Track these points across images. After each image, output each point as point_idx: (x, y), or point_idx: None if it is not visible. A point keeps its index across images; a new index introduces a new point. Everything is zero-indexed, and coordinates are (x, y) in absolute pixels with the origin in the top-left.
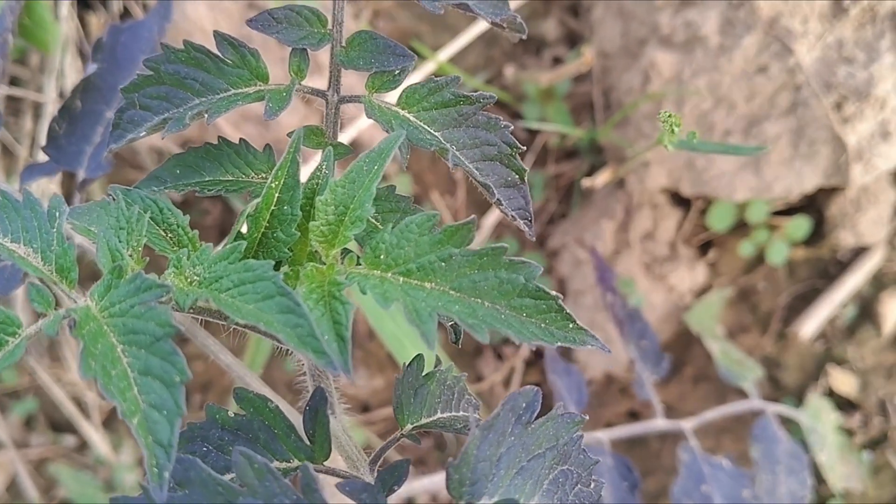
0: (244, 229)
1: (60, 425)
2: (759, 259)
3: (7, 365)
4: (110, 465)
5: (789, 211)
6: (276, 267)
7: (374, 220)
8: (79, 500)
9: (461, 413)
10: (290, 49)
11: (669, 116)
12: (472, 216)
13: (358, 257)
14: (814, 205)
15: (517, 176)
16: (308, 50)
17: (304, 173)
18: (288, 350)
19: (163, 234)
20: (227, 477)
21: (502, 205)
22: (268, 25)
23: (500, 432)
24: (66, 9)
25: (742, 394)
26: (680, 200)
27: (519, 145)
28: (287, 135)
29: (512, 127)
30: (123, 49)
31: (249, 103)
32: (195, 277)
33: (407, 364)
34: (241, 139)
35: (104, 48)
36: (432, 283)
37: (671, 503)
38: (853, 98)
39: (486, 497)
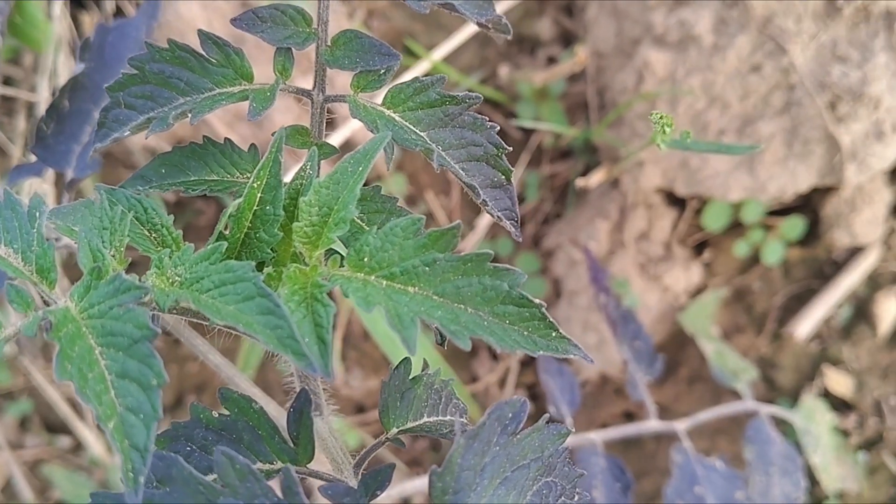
0: (228, 230)
1: (55, 426)
2: (754, 259)
3: None
4: (105, 466)
5: (784, 211)
6: (260, 268)
7: (359, 221)
8: (73, 501)
9: (448, 417)
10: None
11: (661, 117)
12: (458, 222)
13: (342, 258)
14: (809, 205)
15: (503, 177)
16: (293, 49)
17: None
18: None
19: (147, 233)
20: (210, 477)
21: (488, 205)
22: (252, 24)
23: (486, 441)
24: (59, 8)
25: (737, 395)
26: (675, 200)
27: (505, 146)
28: (271, 134)
29: (498, 127)
30: (111, 48)
31: (234, 103)
32: (176, 278)
33: (394, 367)
34: (226, 138)
35: (92, 48)
36: (416, 287)
37: None
38: (847, 97)
39: None
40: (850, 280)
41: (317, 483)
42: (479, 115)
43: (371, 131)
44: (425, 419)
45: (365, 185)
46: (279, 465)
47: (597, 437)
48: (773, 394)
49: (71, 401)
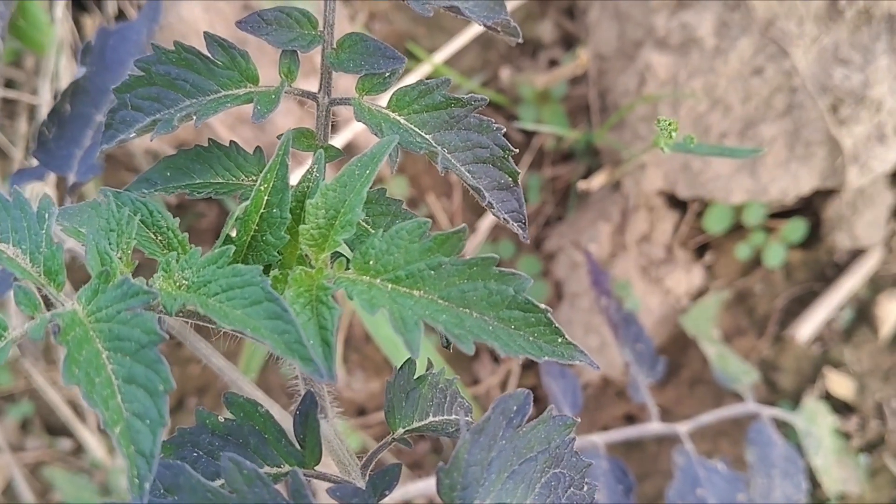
0: (234, 233)
1: (56, 429)
2: (755, 262)
3: None
4: (106, 468)
5: (786, 213)
6: (266, 270)
7: (365, 224)
8: (74, 503)
9: (453, 417)
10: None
11: (668, 123)
12: (463, 225)
13: (347, 261)
14: (810, 207)
15: (510, 178)
16: (298, 52)
17: (299, 176)
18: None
19: (153, 236)
20: (217, 483)
21: (493, 208)
22: (257, 27)
23: (491, 436)
24: (61, 11)
25: (739, 397)
26: (676, 203)
27: (511, 148)
28: (277, 137)
29: (504, 129)
30: (112, 52)
31: (239, 105)
32: (184, 282)
33: (399, 368)
34: (231, 141)
35: (93, 51)
36: (421, 291)
37: None
38: (849, 100)
39: (478, 501)
40: (852, 282)
41: (322, 485)
42: (485, 118)
43: (375, 134)
44: (431, 418)
45: (370, 187)
46: (287, 468)
47: (599, 439)
48: (775, 396)
49: (72, 403)
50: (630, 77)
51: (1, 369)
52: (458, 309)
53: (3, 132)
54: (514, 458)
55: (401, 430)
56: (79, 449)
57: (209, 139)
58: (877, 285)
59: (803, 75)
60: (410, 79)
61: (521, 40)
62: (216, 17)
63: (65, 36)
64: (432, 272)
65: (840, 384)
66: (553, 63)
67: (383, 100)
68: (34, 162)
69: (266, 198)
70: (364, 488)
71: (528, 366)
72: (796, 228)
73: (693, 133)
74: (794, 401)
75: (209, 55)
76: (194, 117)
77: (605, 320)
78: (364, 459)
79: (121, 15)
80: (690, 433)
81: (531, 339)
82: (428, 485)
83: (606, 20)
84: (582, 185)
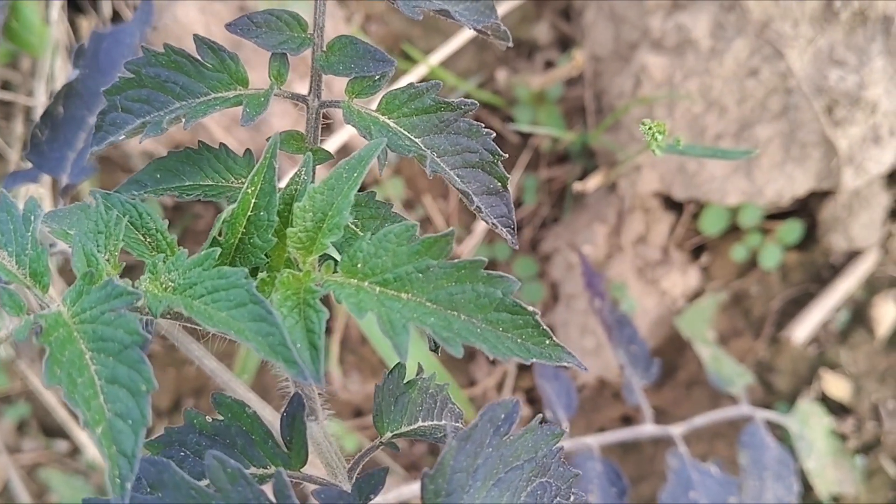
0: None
1: (52, 430)
2: (751, 263)
3: None
4: (101, 470)
5: (782, 215)
6: (254, 273)
7: (353, 227)
8: None
9: (443, 422)
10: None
11: (650, 127)
12: (451, 228)
13: (335, 264)
14: (806, 209)
15: (499, 183)
16: (288, 55)
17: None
18: None
19: (141, 238)
20: (203, 482)
21: (482, 212)
22: (248, 30)
23: (478, 443)
24: (57, 12)
25: (735, 399)
26: (672, 204)
27: (501, 152)
28: (266, 139)
29: (494, 134)
30: (105, 55)
31: (228, 108)
32: (170, 283)
33: (388, 372)
34: (221, 143)
35: (86, 54)
36: (409, 293)
37: None
38: (844, 102)
39: None
40: (848, 284)
41: (312, 487)
42: (475, 122)
43: (365, 137)
44: (420, 423)
45: (360, 189)
46: (272, 469)
47: (593, 441)
48: (771, 397)
49: (68, 405)
50: (626, 78)
51: None
52: (447, 312)
53: None
54: (501, 466)
55: (389, 435)
56: (75, 451)
57: (199, 141)
58: (873, 287)
59: (798, 77)
60: (407, 80)
61: (510, 44)
62: (212, 18)
63: (60, 37)
64: (420, 275)
65: (836, 385)
66: (549, 64)
67: (373, 103)
68: (28, 164)
69: (253, 200)
70: (349, 491)
71: (525, 367)
72: (792, 230)
73: (689, 135)
74: (791, 402)
75: (199, 58)
76: (184, 120)
77: (600, 322)
78: (351, 463)
79: (116, 16)
80: (686, 435)
81: (519, 341)
82: None
83: (602, 22)
84: (578, 186)
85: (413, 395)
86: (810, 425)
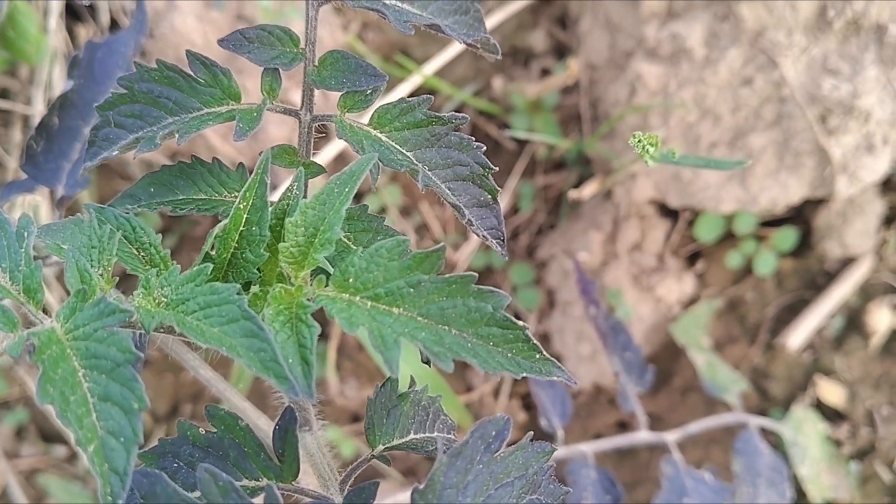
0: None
1: (51, 436)
2: (746, 270)
3: None
4: None
5: (776, 222)
6: (246, 288)
7: (346, 241)
8: None
9: (435, 434)
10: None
11: (640, 140)
12: (443, 244)
13: (328, 277)
14: (801, 216)
15: (490, 196)
16: (280, 70)
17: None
18: None
19: (135, 252)
20: (195, 494)
21: (473, 225)
22: (239, 45)
23: (468, 459)
24: (55, 21)
25: (729, 405)
26: (667, 212)
27: (491, 165)
28: (259, 153)
29: (485, 147)
30: (100, 65)
31: (221, 123)
32: (163, 299)
33: (380, 385)
34: (214, 158)
35: (80, 64)
36: (400, 308)
37: None
38: (838, 110)
39: None
40: (843, 291)
41: (304, 500)
42: (466, 136)
43: (357, 152)
44: (412, 436)
45: (355, 199)
46: (265, 481)
47: (588, 448)
48: (766, 404)
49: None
50: (621, 87)
51: None
52: (438, 326)
53: None
54: (491, 483)
55: (380, 447)
56: (73, 456)
57: (192, 156)
58: (867, 293)
59: (792, 86)
60: (402, 89)
61: (499, 56)
62: (209, 26)
63: (58, 46)
64: (411, 290)
65: (831, 392)
66: (545, 72)
67: (365, 117)
68: (24, 175)
69: (245, 216)
70: None
71: None
72: (787, 237)
73: (683, 143)
74: (785, 408)
75: (191, 73)
76: (177, 135)
77: (594, 329)
78: (343, 475)
79: (114, 24)
80: (681, 441)
81: (510, 355)
82: None
83: (598, 30)
84: (573, 193)
85: (405, 408)
86: (804, 431)
